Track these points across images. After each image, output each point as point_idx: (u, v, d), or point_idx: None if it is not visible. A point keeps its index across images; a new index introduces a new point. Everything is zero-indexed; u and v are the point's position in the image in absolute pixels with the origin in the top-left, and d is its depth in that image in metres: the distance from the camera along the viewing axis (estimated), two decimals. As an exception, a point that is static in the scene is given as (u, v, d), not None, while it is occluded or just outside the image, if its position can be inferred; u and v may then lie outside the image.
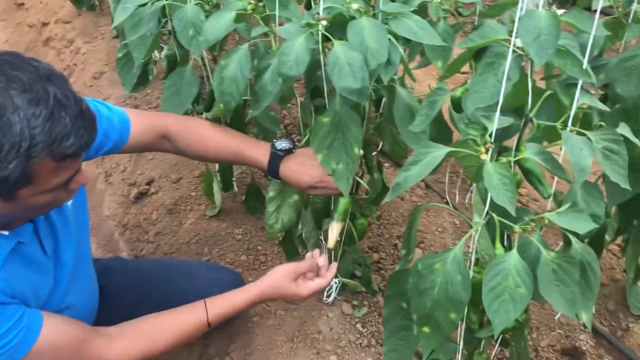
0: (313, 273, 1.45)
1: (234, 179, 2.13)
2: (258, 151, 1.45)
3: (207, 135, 1.49)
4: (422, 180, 2.27)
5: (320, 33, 1.21)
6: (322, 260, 1.46)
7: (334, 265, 1.47)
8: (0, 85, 0.95)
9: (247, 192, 2.07)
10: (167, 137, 1.50)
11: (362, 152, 1.49)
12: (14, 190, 1.01)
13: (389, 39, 1.20)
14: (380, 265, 1.92)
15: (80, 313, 1.38)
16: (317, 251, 1.49)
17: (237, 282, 1.63)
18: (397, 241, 2.01)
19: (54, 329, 1.18)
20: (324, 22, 1.21)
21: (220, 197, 2.09)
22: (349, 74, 1.15)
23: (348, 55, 1.16)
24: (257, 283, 1.42)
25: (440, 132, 1.68)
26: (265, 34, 1.43)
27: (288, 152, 1.43)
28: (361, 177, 1.51)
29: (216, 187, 2.07)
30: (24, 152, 0.96)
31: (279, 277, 1.41)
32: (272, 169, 1.43)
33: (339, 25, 1.24)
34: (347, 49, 1.16)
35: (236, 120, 1.80)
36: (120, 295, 1.56)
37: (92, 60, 3.38)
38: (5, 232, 1.13)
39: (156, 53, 2.66)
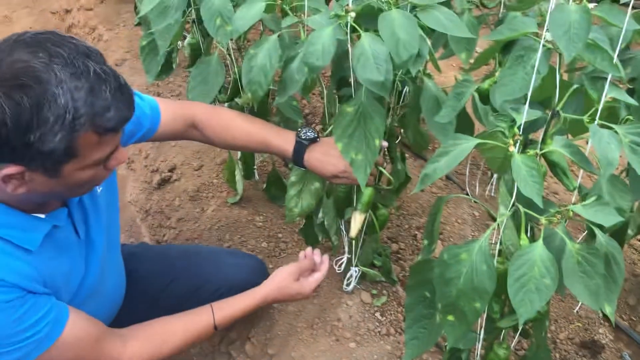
0: (310, 270, 1.54)
1: (255, 167, 2.15)
2: (283, 140, 1.47)
3: (234, 124, 1.51)
4: (441, 172, 2.28)
5: (348, 24, 1.22)
6: (317, 256, 1.55)
7: (326, 257, 1.56)
8: (43, 61, 0.96)
9: (268, 180, 2.09)
10: (195, 126, 1.52)
11: (386, 143, 1.51)
12: (59, 165, 1.03)
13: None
14: (400, 256, 1.93)
15: (109, 298, 1.42)
16: (309, 249, 1.57)
17: (261, 268, 1.67)
18: (416, 232, 2.02)
19: (78, 324, 1.19)
20: (353, 14, 1.22)
21: (242, 185, 2.12)
22: (373, 66, 1.16)
23: (374, 47, 1.17)
24: (262, 286, 1.49)
25: (462, 123, 1.68)
26: (292, 25, 1.44)
27: (313, 141, 1.45)
28: (384, 168, 1.52)
29: (238, 175, 2.10)
30: (68, 124, 0.97)
31: (282, 279, 1.48)
32: (297, 158, 1.45)
33: (367, 17, 1.25)
34: (373, 41, 1.17)
35: (261, 110, 1.82)
36: (148, 280, 1.59)
37: (114, 48, 3.41)
38: (42, 215, 1.15)
39: (179, 41, 2.69)
